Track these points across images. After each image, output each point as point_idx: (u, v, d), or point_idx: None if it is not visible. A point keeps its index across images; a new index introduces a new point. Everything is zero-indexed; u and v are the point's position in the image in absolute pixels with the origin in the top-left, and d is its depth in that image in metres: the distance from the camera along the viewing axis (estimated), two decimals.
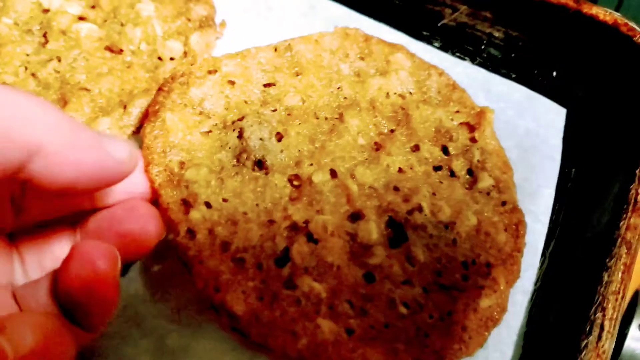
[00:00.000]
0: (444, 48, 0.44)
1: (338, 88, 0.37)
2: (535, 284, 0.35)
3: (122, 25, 0.39)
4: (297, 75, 0.37)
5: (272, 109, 0.35)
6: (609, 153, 0.40)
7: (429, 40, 0.45)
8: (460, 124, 0.37)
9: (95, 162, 0.25)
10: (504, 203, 0.35)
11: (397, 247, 0.32)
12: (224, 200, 0.32)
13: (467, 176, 0.35)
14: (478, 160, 0.35)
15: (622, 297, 0.31)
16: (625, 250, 0.32)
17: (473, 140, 0.36)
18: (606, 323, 0.30)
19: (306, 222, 0.31)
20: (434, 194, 0.34)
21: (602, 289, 0.31)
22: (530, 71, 0.44)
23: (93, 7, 0.39)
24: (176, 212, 0.31)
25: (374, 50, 0.39)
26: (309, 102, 0.36)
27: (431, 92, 0.38)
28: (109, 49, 0.38)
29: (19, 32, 0.38)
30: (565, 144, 0.41)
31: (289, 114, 0.35)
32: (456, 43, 0.45)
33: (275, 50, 0.37)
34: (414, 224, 0.33)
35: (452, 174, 0.35)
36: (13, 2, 0.38)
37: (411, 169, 0.35)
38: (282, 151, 0.34)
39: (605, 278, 0.31)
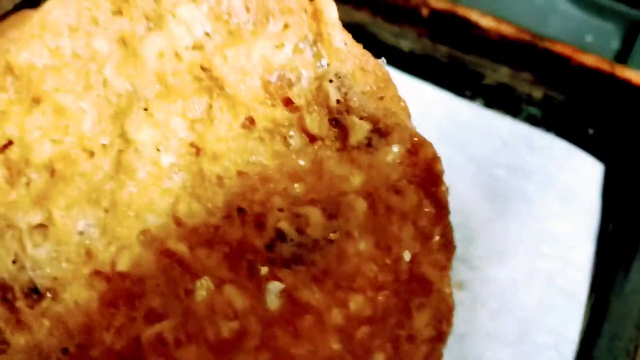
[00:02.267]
0: (486, 106, 0.47)
1: (103, 84, 0.23)
2: (580, 337, 0.37)
3: None
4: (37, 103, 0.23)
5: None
6: None
7: (472, 99, 0.48)
8: (298, 45, 0.23)
9: None
10: None
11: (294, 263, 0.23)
12: None
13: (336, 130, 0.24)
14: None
15: None
16: None
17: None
18: None
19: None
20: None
21: None
22: (567, 129, 0.46)
23: None
24: None
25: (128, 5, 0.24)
26: (65, 143, 0.23)
27: (238, 16, 0.23)
28: None
29: None
30: (603, 199, 0.43)
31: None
32: (497, 102, 0.48)
33: None
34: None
35: (313, 138, 0.23)
36: None
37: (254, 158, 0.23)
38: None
39: None
